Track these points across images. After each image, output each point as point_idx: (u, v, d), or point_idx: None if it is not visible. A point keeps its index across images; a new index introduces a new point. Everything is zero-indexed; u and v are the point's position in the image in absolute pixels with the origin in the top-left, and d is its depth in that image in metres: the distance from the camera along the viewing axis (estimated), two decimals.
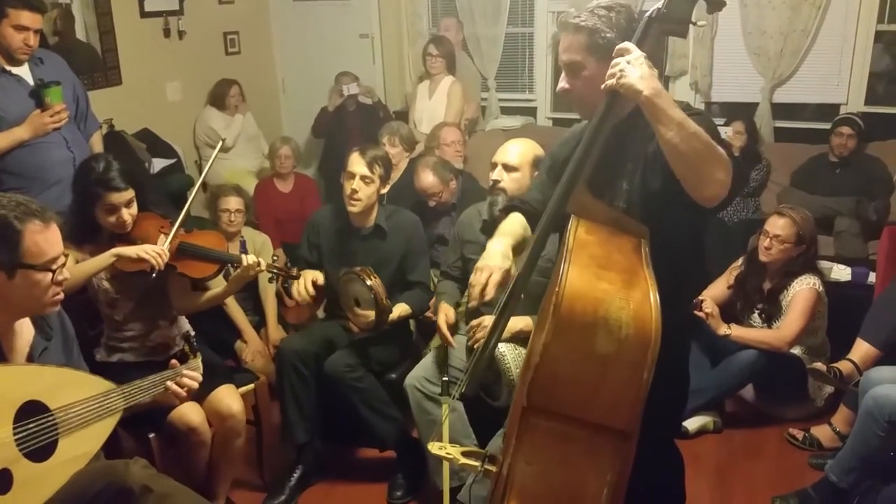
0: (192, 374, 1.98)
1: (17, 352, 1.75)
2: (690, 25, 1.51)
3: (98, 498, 1.66)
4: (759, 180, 4.16)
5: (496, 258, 1.76)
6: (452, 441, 2.15)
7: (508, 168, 2.54)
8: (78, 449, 1.71)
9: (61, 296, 1.75)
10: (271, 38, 5.58)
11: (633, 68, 1.45)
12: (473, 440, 2.46)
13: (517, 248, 1.81)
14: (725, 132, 4.14)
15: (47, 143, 2.86)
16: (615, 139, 1.64)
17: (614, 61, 1.48)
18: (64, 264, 1.73)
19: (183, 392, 1.94)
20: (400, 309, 2.69)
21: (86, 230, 2.34)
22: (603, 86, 1.50)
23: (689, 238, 1.74)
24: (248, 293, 3.50)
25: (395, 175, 3.82)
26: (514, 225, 1.87)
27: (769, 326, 3.09)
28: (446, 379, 2.14)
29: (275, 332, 3.47)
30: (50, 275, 1.68)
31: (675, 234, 1.65)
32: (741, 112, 4.35)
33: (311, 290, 2.65)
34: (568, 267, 1.45)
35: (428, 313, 2.92)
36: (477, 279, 1.74)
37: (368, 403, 2.61)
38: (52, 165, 2.86)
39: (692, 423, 3.01)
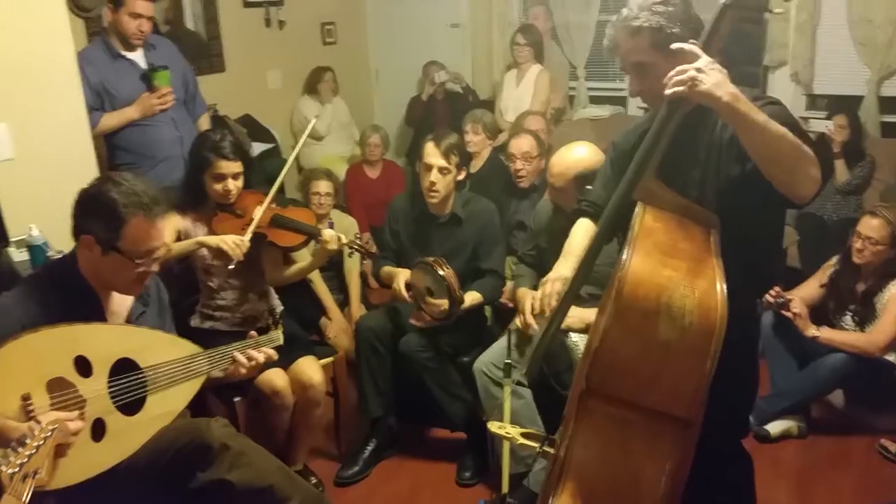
0: (265, 350, 2.05)
1: (116, 314, 1.91)
2: (767, 13, 1.46)
3: (180, 452, 1.79)
4: (861, 177, 3.94)
5: (558, 283, 1.76)
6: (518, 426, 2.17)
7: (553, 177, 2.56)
8: (164, 406, 1.85)
9: (140, 288, 1.89)
10: (366, 29, 5.72)
11: (706, 75, 1.40)
12: (540, 427, 2.48)
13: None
14: (827, 126, 3.96)
15: (156, 123, 3.09)
16: (686, 128, 1.61)
17: (682, 67, 1.43)
18: (159, 258, 1.83)
19: (247, 363, 2.00)
20: (471, 297, 2.72)
21: (193, 197, 2.50)
22: (669, 92, 1.44)
23: (766, 229, 1.70)
24: (334, 272, 3.63)
25: (479, 163, 3.88)
26: (581, 239, 1.84)
27: (862, 330, 2.94)
28: (508, 362, 2.16)
29: (357, 311, 3.59)
30: (137, 265, 1.79)
31: (750, 225, 1.62)
32: (845, 105, 4.13)
33: (404, 291, 2.69)
34: (632, 253, 1.46)
35: (503, 299, 2.95)
36: (537, 296, 1.77)
37: (440, 384, 2.67)
38: (160, 144, 3.09)
39: (775, 427, 2.91)
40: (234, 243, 2.36)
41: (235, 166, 2.47)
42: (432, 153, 2.70)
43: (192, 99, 3.38)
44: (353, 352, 2.95)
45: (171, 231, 1.86)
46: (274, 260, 2.64)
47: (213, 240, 2.37)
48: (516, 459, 2.33)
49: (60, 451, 1.59)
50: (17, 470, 1.24)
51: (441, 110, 4.86)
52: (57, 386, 1.67)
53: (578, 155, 2.53)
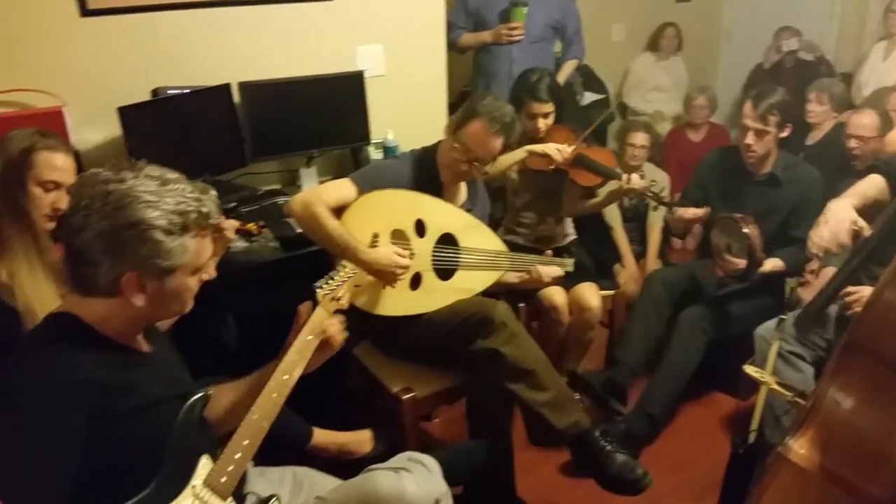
0: (556, 270, 2.45)
1: (452, 200, 2.47)
2: None
3: (468, 319, 2.24)
4: None
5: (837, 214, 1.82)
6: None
7: None
8: (467, 283, 2.35)
9: (466, 177, 2.45)
10: None
11: None
12: None
13: (864, 210, 1.82)
14: None
15: (494, 53, 3.63)
16: None
17: None
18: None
19: (544, 278, 2.43)
20: (772, 263, 2.74)
21: None
22: None
23: None
24: (637, 223, 3.85)
25: (817, 136, 3.75)
26: (867, 187, 1.86)
27: None
28: (783, 317, 2.22)
29: (653, 264, 3.78)
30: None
31: None
32: None
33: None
34: None
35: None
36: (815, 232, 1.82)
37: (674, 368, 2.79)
38: (493, 74, 3.63)
39: None
40: (557, 149, 2.76)
41: (546, 107, 2.86)
42: (749, 114, 2.76)
43: (570, 42, 3.85)
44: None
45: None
46: (572, 193, 3.00)
47: (538, 146, 2.79)
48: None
49: (389, 280, 2.18)
50: (328, 292, 1.73)
51: (786, 79, 4.70)
52: (398, 236, 2.29)
53: None
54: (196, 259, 1.35)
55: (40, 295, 1.80)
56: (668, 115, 5.02)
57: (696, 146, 4.51)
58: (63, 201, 1.82)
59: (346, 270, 1.81)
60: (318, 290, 1.70)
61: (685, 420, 2.94)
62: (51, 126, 2.04)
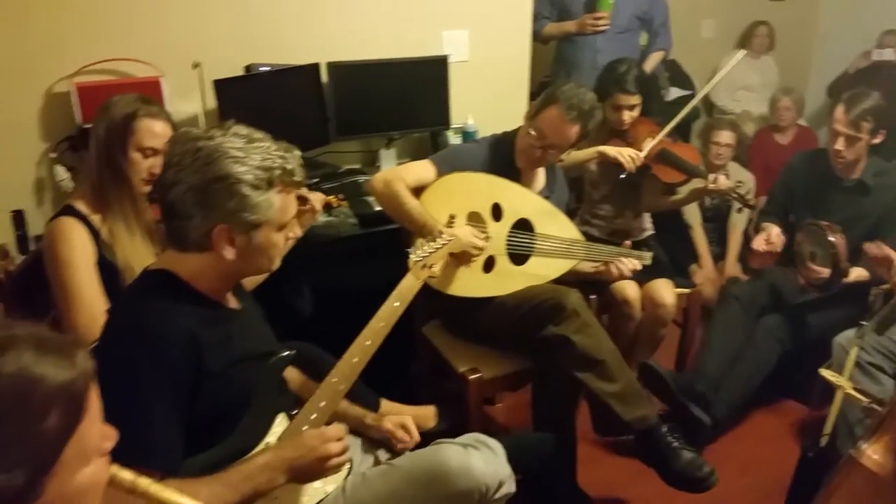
0: (634, 262, 2.43)
1: (531, 186, 2.51)
2: None
3: (539, 305, 2.27)
4: None
5: None
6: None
7: None
8: (540, 270, 2.38)
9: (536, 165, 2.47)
10: None
11: None
12: None
13: None
14: None
15: (578, 44, 3.62)
16: None
17: None
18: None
19: (615, 271, 2.41)
20: (857, 273, 2.69)
21: None
22: None
23: None
24: (717, 224, 3.80)
25: None
26: None
27: None
28: (863, 323, 2.17)
29: (732, 267, 3.73)
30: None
31: None
32: None
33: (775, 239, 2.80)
34: None
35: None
36: None
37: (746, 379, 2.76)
38: (576, 64, 3.62)
39: None
40: (630, 156, 2.75)
41: (632, 99, 2.85)
42: (840, 119, 2.70)
43: (655, 34, 3.84)
44: (713, 303, 3.13)
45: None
46: (653, 189, 2.99)
47: (611, 150, 2.78)
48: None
49: (464, 260, 2.24)
50: (419, 259, 1.78)
51: (878, 85, 4.51)
52: (474, 218, 2.34)
53: None
54: (281, 215, 1.42)
55: (137, 253, 1.93)
56: (755, 115, 4.92)
57: (783, 149, 4.41)
58: (159, 167, 1.91)
59: (441, 238, 1.85)
60: (410, 257, 1.74)
61: (754, 424, 2.91)
62: (148, 95, 2.15)
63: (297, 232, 1.54)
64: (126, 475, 1.00)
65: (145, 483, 1.02)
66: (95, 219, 1.94)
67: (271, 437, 1.50)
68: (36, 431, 0.78)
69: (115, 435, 0.90)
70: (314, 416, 1.51)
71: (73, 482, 0.82)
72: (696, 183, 2.87)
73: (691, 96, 4.92)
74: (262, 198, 1.36)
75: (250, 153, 1.36)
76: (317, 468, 1.40)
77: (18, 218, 2.50)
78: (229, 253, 1.38)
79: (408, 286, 1.71)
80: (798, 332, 2.79)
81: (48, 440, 0.80)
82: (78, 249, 1.87)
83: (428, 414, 2.45)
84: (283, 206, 1.41)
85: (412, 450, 1.75)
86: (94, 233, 1.92)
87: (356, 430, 1.79)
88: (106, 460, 0.91)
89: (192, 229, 1.36)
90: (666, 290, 2.79)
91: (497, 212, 2.35)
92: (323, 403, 1.52)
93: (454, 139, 3.29)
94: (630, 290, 2.78)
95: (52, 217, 1.96)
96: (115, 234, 1.94)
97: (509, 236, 2.35)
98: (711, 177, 2.76)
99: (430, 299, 2.30)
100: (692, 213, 3.71)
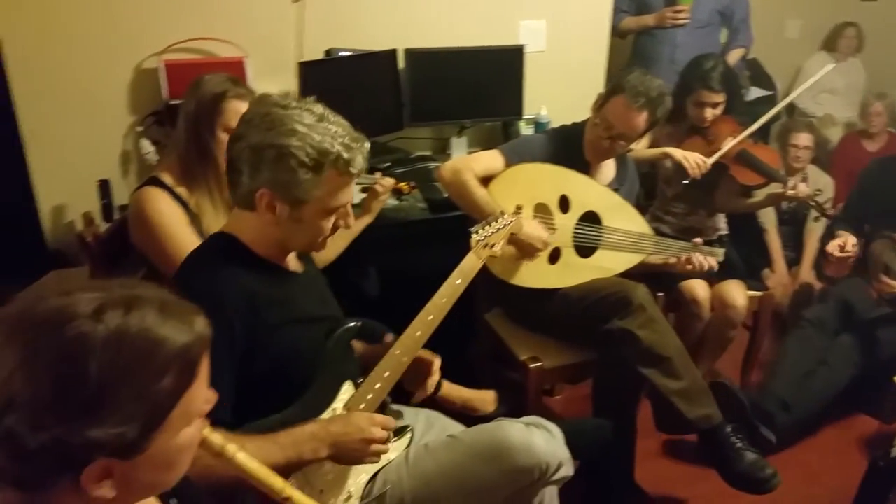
0: (708, 259, 2.39)
1: (599, 178, 2.50)
2: None
3: (604, 299, 2.26)
4: None
5: None
6: None
7: None
8: (606, 263, 2.38)
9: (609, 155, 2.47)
10: None
11: None
12: None
13: None
14: None
15: (657, 38, 3.60)
16: None
17: None
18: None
19: (686, 265, 2.37)
20: None
21: (672, 114, 2.91)
22: None
23: None
24: (793, 228, 3.70)
25: None
26: None
27: None
28: None
29: (806, 273, 3.62)
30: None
31: None
32: None
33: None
34: None
35: None
36: None
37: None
38: (654, 58, 3.61)
39: None
40: (696, 163, 2.71)
41: (716, 97, 2.80)
42: None
43: (736, 30, 3.78)
44: (783, 309, 3.06)
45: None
46: (729, 189, 2.94)
47: (678, 153, 2.75)
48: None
49: (529, 253, 2.23)
50: (482, 239, 1.80)
51: None
52: (540, 209, 2.35)
53: None
54: (328, 200, 1.43)
55: (220, 226, 2.01)
56: (839, 119, 4.77)
57: (870, 156, 4.24)
58: None
59: (504, 218, 1.87)
60: (472, 236, 1.77)
61: (821, 434, 2.83)
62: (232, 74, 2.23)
63: (349, 223, 1.52)
64: (216, 438, 1.06)
65: (232, 450, 1.08)
66: (181, 191, 2.03)
67: (338, 404, 1.55)
68: (154, 390, 0.82)
69: (215, 398, 0.94)
70: (378, 385, 1.56)
71: (174, 440, 0.87)
72: (775, 187, 2.81)
73: (772, 97, 4.82)
74: (307, 177, 1.38)
75: (313, 132, 1.38)
76: (359, 450, 1.44)
77: (104, 187, 2.62)
78: (270, 218, 1.42)
79: (469, 265, 1.73)
80: (872, 350, 2.71)
81: (161, 399, 0.84)
82: (166, 213, 1.96)
83: (488, 398, 2.47)
84: (331, 192, 1.42)
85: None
86: (182, 203, 2.01)
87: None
88: (204, 422, 0.95)
89: (241, 185, 1.42)
90: (738, 292, 2.74)
91: (564, 203, 2.36)
92: (387, 374, 1.56)
93: (526, 130, 3.30)
94: (700, 289, 2.74)
95: (138, 187, 2.06)
96: (200, 206, 2.02)
97: (576, 229, 2.36)
98: (790, 182, 2.70)
99: (494, 287, 2.33)
100: (767, 216, 3.63)
